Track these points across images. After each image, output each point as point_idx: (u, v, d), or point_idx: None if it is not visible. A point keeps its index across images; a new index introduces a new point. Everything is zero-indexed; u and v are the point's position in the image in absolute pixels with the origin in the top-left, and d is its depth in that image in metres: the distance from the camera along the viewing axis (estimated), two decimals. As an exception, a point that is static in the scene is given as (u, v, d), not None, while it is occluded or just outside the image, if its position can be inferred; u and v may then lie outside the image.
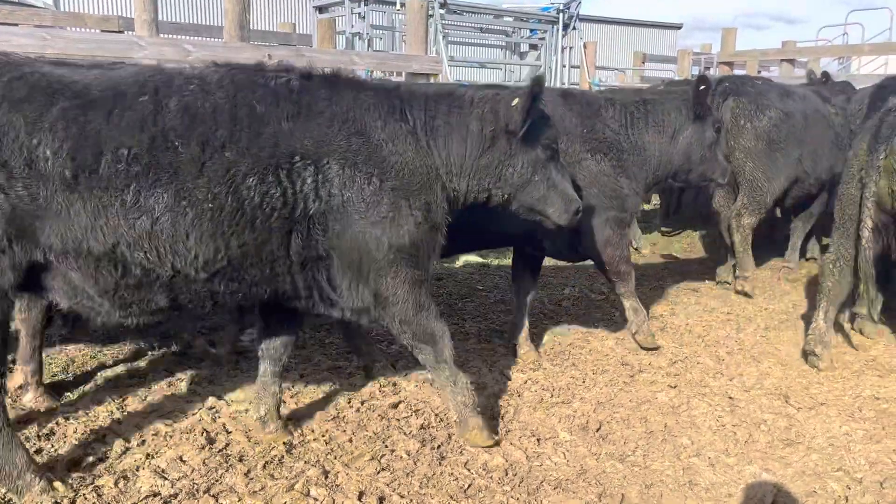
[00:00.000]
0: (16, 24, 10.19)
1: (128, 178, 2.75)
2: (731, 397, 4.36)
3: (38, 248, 2.76)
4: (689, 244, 8.98)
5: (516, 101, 3.42)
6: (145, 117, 2.81)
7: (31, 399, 3.85)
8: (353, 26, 12.92)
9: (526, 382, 4.46)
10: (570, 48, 16.54)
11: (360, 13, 12.76)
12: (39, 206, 2.70)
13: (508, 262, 6.12)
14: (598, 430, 3.86)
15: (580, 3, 16.24)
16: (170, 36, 11.02)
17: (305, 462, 3.39)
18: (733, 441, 3.80)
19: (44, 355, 4.50)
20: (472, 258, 7.62)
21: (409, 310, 3.35)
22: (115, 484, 3.13)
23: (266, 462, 3.37)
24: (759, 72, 17.14)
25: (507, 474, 3.38)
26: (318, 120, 3.10)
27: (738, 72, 17.27)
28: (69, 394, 4.03)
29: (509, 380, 4.49)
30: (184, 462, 3.36)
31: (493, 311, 5.89)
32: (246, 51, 8.45)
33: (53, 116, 2.70)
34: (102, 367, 4.40)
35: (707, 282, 6.97)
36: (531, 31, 16.90)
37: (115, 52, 8.29)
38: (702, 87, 4.78)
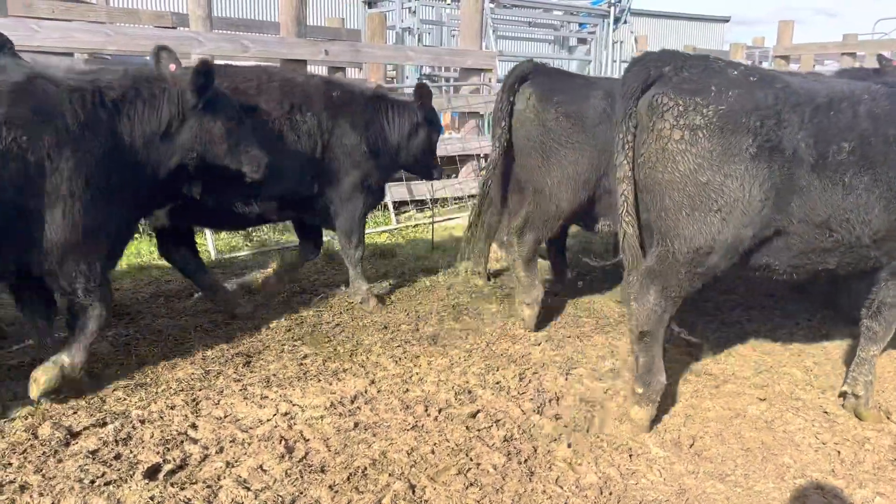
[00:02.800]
0: (70, 20, 10.31)
1: (846, 165, 3.49)
2: (826, 412, 4.12)
3: (780, 215, 3.54)
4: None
5: None
6: (851, 120, 3.52)
7: None
8: (402, 21, 12.80)
9: (606, 392, 4.26)
10: (621, 42, 16.25)
11: (410, 8, 12.62)
12: (792, 182, 3.47)
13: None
14: (691, 445, 3.66)
15: (632, -4, 15.95)
16: (222, 32, 11.02)
17: (390, 475, 3.26)
18: (838, 461, 3.57)
19: (116, 357, 4.49)
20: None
21: None
22: (199, 493, 3.03)
23: (350, 474, 3.24)
24: (815, 66, 16.65)
25: (601, 493, 3.21)
26: None
27: (793, 66, 16.80)
28: (141, 396, 3.96)
29: (588, 389, 4.30)
30: (265, 472, 3.25)
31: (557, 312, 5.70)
32: (302, 46, 8.40)
33: (807, 116, 3.47)
34: (174, 368, 4.33)
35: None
36: (580, 25, 16.64)
37: (174, 48, 8.28)
38: None
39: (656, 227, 3.66)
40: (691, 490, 3.26)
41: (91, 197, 3.66)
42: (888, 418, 4.06)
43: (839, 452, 3.65)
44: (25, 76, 3.59)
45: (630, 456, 3.53)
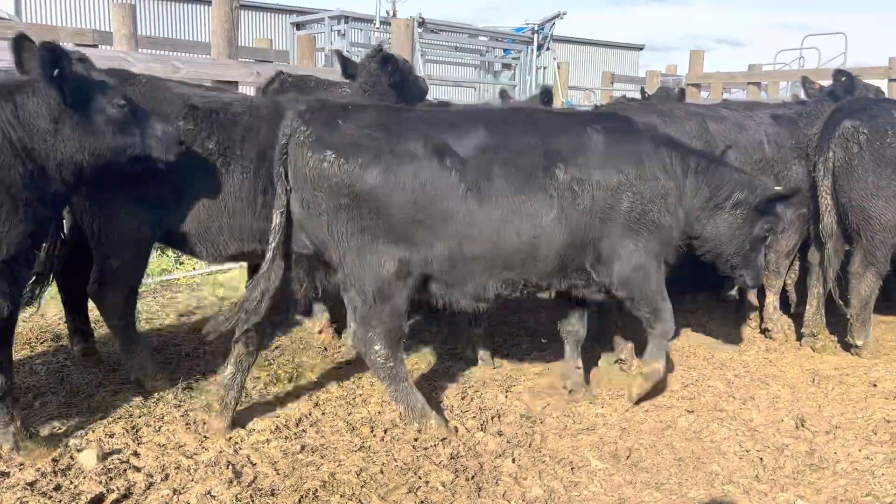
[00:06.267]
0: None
1: None
2: (747, 421, 4.39)
3: None
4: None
5: None
6: None
7: None
8: (332, 43, 12.85)
9: (545, 408, 4.42)
10: (544, 68, 16.78)
11: (339, 30, 12.70)
12: None
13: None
14: (628, 457, 3.84)
15: (554, 24, 16.51)
16: (147, 51, 10.78)
17: (341, 496, 3.29)
18: (761, 467, 3.81)
19: (49, 386, 4.35)
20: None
21: None
22: (147, 523, 3.00)
23: (301, 497, 3.26)
24: (723, 94, 17.60)
25: (546, 505, 3.34)
26: None
27: (703, 94, 17.71)
28: (78, 424, 3.85)
29: (527, 405, 4.45)
30: (214, 498, 3.23)
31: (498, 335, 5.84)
32: (234, 68, 8.33)
33: None
34: (111, 394, 4.23)
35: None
36: (505, 50, 17.10)
37: (103, 67, 8.07)
38: None
39: None
40: (630, 499, 3.43)
41: None
42: (803, 425, 4.36)
43: (761, 459, 3.90)
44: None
45: (572, 469, 3.68)
